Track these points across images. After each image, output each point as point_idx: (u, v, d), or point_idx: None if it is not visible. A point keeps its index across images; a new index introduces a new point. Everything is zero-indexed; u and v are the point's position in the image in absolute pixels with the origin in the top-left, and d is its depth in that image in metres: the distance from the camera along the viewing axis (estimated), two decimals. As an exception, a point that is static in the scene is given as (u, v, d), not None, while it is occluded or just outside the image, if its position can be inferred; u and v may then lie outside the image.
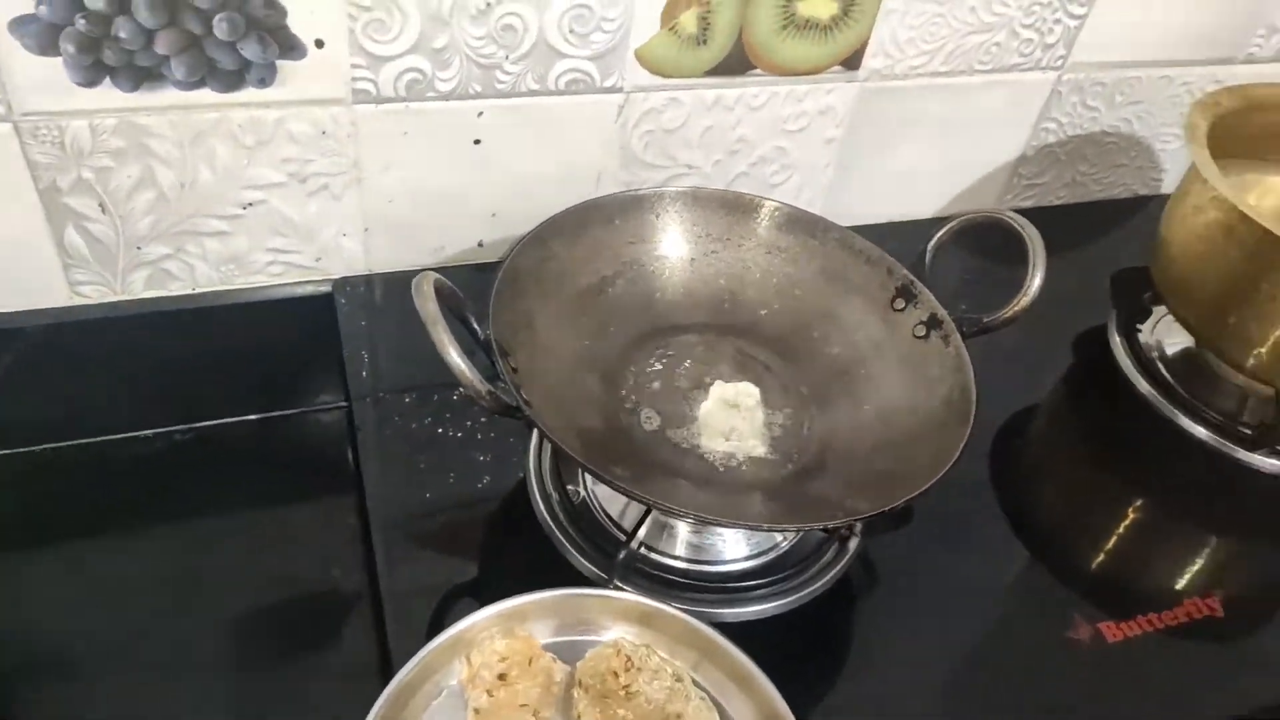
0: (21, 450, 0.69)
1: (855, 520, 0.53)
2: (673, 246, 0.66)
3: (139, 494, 0.69)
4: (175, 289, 0.69)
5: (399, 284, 0.73)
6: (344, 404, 0.73)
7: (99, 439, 0.70)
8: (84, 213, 0.63)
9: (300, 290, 0.72)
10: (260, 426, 0.73)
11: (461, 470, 0.63)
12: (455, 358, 0.45)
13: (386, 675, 0.47)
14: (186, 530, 0.66)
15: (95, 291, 0.67)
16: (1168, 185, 0.96)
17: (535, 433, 0.63)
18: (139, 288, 0.68)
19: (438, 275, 0.49)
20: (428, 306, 0.46)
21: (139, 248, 0.66)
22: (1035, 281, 0.59)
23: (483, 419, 0.65)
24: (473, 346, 0.52)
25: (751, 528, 0.57)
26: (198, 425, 0.72)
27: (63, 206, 0.62)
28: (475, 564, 0.58)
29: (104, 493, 0.69)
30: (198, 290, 0.70)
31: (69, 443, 0.70)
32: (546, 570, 0.57)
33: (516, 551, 0.59)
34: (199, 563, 0.64)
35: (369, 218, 0.70)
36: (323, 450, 0.74)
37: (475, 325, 0.53)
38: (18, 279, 0.64)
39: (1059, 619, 0.60)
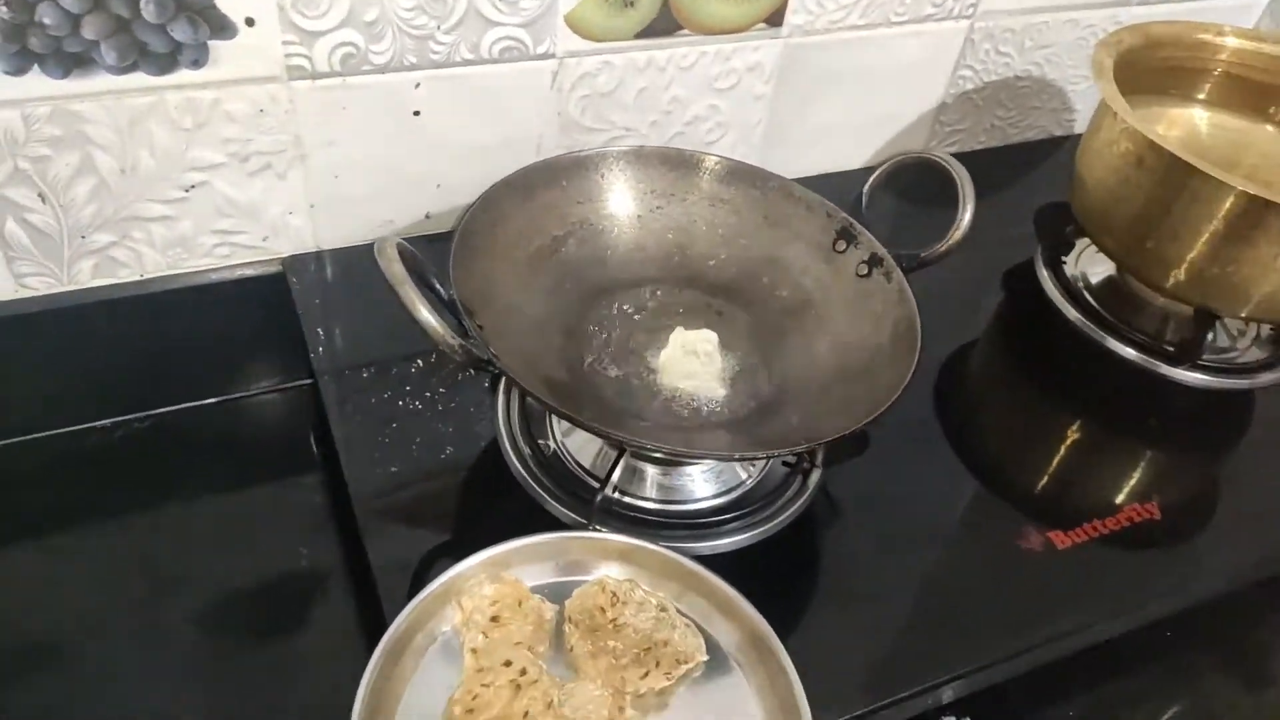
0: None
1: (819, 444, 0.56)
2: (620, 204, 0.67)
3: (99, 484, 0.68)
4: (124, 276, 0.69)
5: (350, 259, 0.73)
6: (301, 383, 0.73)
7: (56, 431, 0.69)
8: (24, 204, 0.62)
9: (250, 271, 0.72)
10: (218, 410, 0.73)
11: (431, 438, 0.64)
12: (426, 314, 0.46)
13: (375, 639, 0.48)
14: (151, 517, 0.66)
15: (42, 283, 0.66)
16: (1080, 125, 1.00)
17: (502, 393, 0.64)
18: (86, 277, 0.67)
19: (399, 239, 0.50)
20: (393, 268, 0.47)
21: (83, 236, 0.65)
22: (966, 216, 0.62)
23: (443, 388, 0.66)
24: (438, 309, 0.53)
25: (721, 458, 0.59)
26: (155, 412, 0.72)
27: (1, 199, 0.61)
28: (456, 524, 0.60)
29: (65, 485, 0.68)
30: (146, 276, 0.69)
31: (26, 437, 0.69)
32: (525, 522, 0.58)
33: (495, 507, 0.61)
34: (166, 549, 0.64)
35: (315, 195, 0.70)
36: (282, 431, 0.75)
37: (439, 286, 0.54)
38: (-43, 275, 0.63)
39: (1011, 532, 0.64)
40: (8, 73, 0.57)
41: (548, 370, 0.58)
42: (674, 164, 0.68)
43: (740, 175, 0.68)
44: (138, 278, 0.69)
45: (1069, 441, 0.74)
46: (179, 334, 0.71)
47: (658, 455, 0.59)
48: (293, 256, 0.72)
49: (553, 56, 0.70)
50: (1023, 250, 0.86)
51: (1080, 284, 0.83)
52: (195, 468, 0.69)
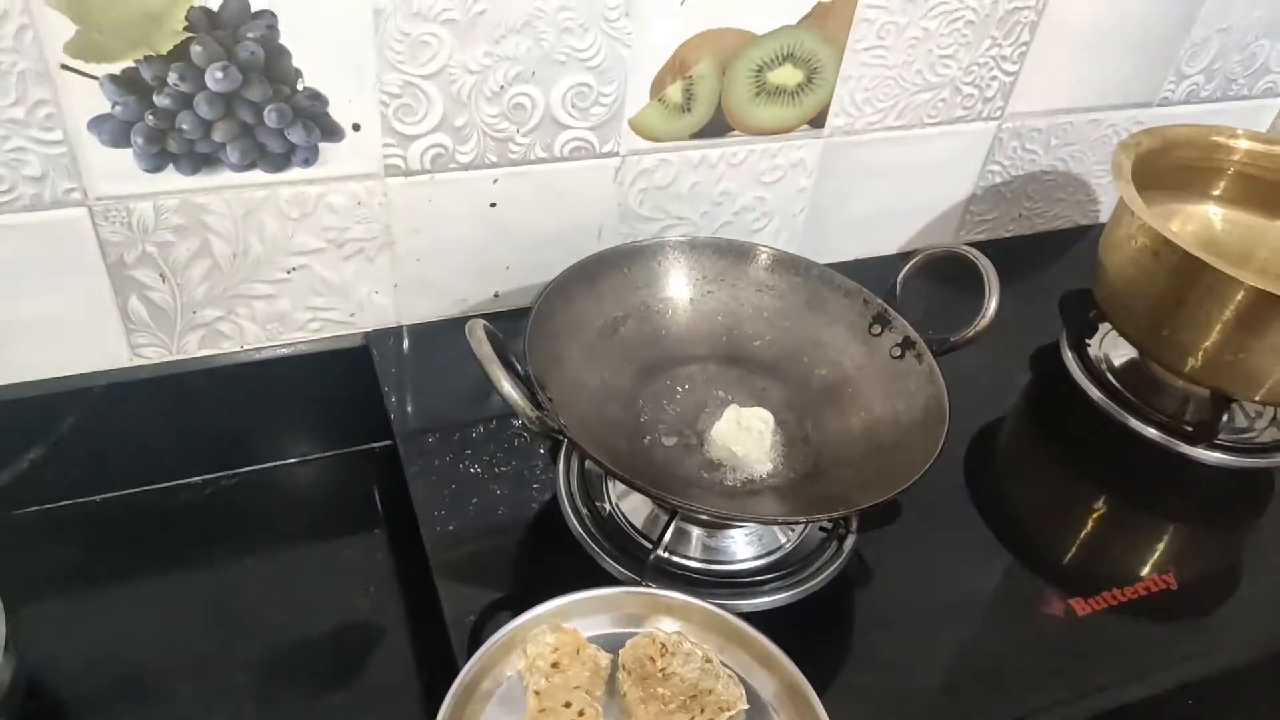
0: (86, 499, 0.76)
1: (852, 512, 0.61)
2: (675, 289, 0.74)
3: (189, 537, 0.76)
4: (226, 347, 0.76)
5: (427, 334, 0.81)
6: (373, 445, 0.80)
7: (154, 486, 0.77)
8: (146, 282, 0.70)
9: (337, 345, 0.79)
10: (300, 469, 0.81)
11: (495, 499, 0.70)
12: (509, 389, 0.53)
13: (433, 687, 0.54)
14: (232, 567, 0.73)
15: (154, 353, 0.74)
16: (1104, 214, 1.06)
17: (563, 459, 0.70)
18: (193, 347, 0.75)
19: (485, 321, 0.57)
20: (483, 349, 0.54)
21: (194, 312, 0.73)
22: (992, 304, 0.68)
23: (505, 453, 0.73)
24: (515, 383, 0.60)
25: (764, 522, 0.65)
26: (242, 470, 0.79)
27: (127, 278, 0.69)
28: (518, 578, 0.66)
29: (158, 536, 0.75)
30: (246, 347, 0.77)
31: (126, 491, 0.76)
32: (582, 577, 0.64)
33: (555, 564, 0.67)
34: (244, 597, 0.71)
35: (399, 276, 0.78)
36: (354, 490, 0.81)
37: (516, 363, 0.60)
38: (85, 344, 0.71)
39: (1035, 599, 0.69)
40: (146, 170, 0.65)
41: (608, 438, 0.64)
42: (725, 253, 0.75)
43: (784, 264, 0.75)
44: (238, 348, 0.77)
45: (1091, 514, 0.78)
46: (270, 399, 0.79)
47: (704, 518, 0.65)
48: (375, 331, 0.80)
49: (617, 155, 0.78)
50: (1049, 333, 0.91)
51: (1103, 365, 0.88)
52: (274, 522, 0.77)
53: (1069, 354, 0.88)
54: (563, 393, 0.63)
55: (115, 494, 0.77)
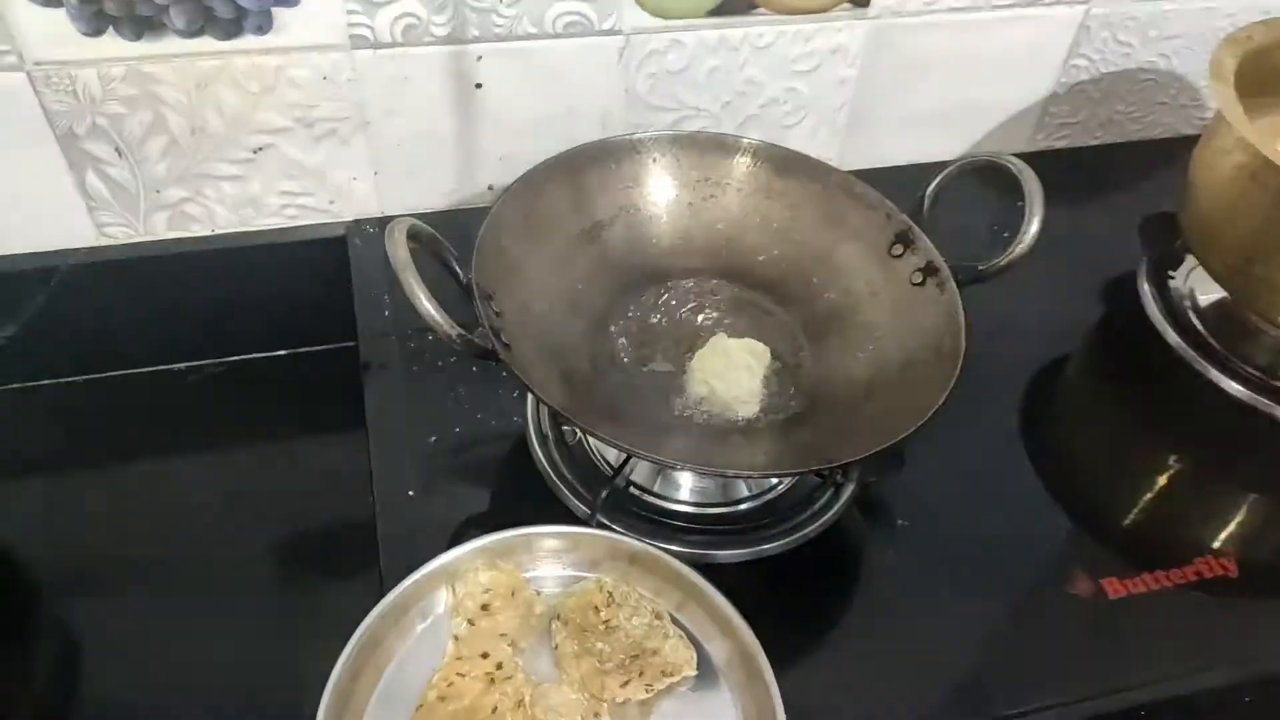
0: (59, 380, 0.73)
1: (833, 466, 0.53)
2: (671, 191, 0.65)
3: (166, 424, 0.73)
4: (196, 230, 0.72)
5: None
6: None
7: (134, 370, 0.74)
8: (101, 157, 0.65)
9: (317, 233, 0.73)
10: (288, 362, 0.76)
11: (463, 415, 0.64)
12: (424, 302, 0.46)
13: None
14: (213, 458, 0.71)
15: (121, 232, 0.70)
16: (1216, 125, 0.91)
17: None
18: (161, 228, 0.71)
19: (415, 221, 0.50)
20: (398, 253, 0.47)
21: (158, 191, 0.68)
22: (1031, 229, 0.57)
23: (476, 365, 0.67)
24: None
25: (729, 475, 0.57)
26: (229, 359, 0.76)
27: (81, 152, 0.65)
28: (472, 502, 0.60)
29: (139, 421, 0.73)
30: (218, 232, 0.72)
31: (104, 374, 0.74)
32: (542, 510, 0.58)
33: (513, 491, 0.61)
34: (224, 488, 0.68)
35: (378, 161, 0.71)
36: (344, 386, 0.77)
37: (458, 269, 0.53)
38: (45, 220, 0.68)
39: (1059, 573, 0.59)
40: (85, 34, 0.59)
41: (571, 362, 0.57)
42: (729, 151, 0.65)
43: (800, 167, 0.65)
44: (209, 233, 0.72)
45: (1149, 478, 0.68)
46: (250, 287, 0.74)
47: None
48: (356, 220, 0.74)
49: (619, 33, 0.68)
50: (1129, 260, 0.79)
51: (1186, 304, 0.76)
52: (257, 414, 0.73)
53: (1147, 288, 0.76)
54: (520, 306, 0.56)
55: (94, 376, 0.74)
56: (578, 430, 0.62)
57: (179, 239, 0.72)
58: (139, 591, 0.63)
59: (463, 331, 0.47)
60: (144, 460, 0.70)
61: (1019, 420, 0.68)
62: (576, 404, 0.52)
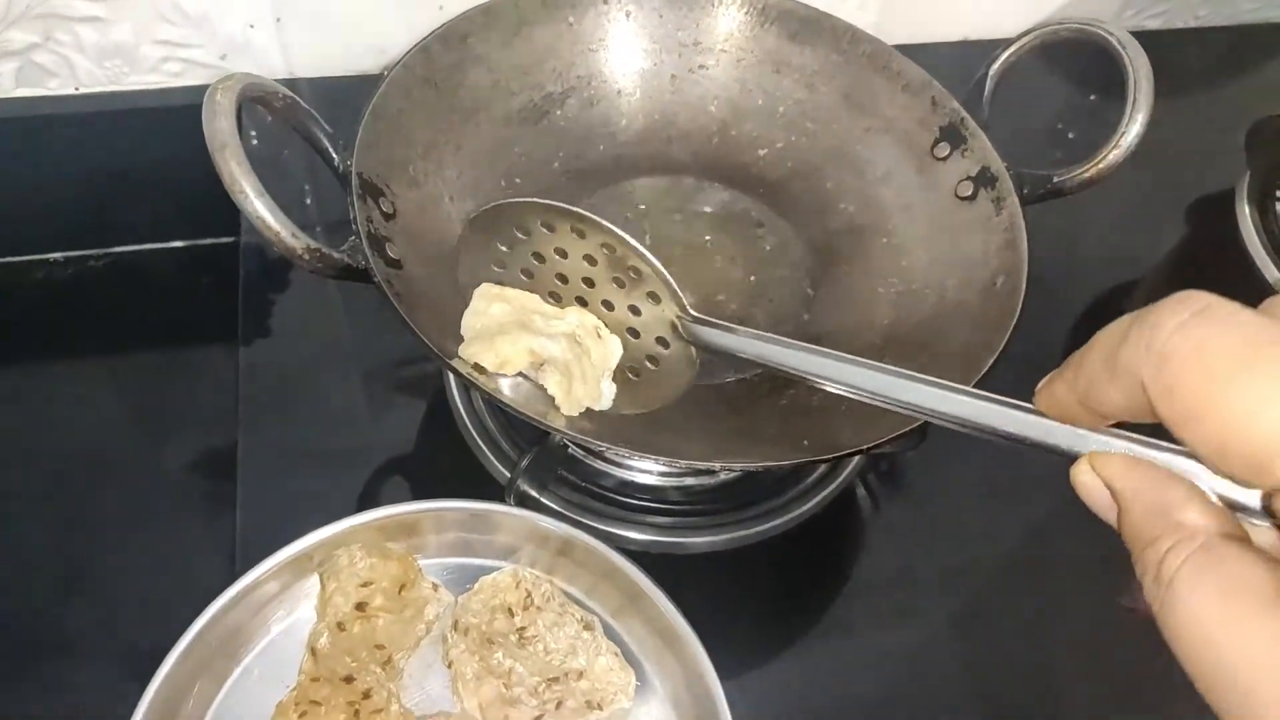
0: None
1: (826, 459, 0.39)
2: (648, 58, 0.50)
3: (44, 320, 0.59)
4: (55, 86, 0.57)
5: (328, 93, 0.59)
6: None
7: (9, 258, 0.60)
8: (-88, -14, 0.50)
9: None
10: (180, 255, 0.62)
11: (369, 341, 0.51)
12: (252, 198, 0.32)
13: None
14: (86, 364, 0.57)
15: (-43, 87, 0.55)
16: (1350, 7, 0.73)
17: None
18: (10, 84, 0.56)
19: (253, 79, 0.35)
20: (217, 124, 0.32)
21: (-5, 34, 0.53)
22: (1134, 129, 0.42)
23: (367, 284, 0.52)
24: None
25: (671, 465, 0.43)
26: (112, 251, 0.61)
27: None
28: (363, 462, 0.47)
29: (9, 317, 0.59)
30: (82, 90, 0.57)
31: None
32: (458, 476, 0.46)
33: (422, 450, 0.48)
34: (90, 394, 0.55)
35: (280, 6, 0.56)
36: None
37: (335, 154, 0.39)
38: None
39: (1115, 582, 0.46)
40: None
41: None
42: (729, 6, 0.49)
43: (821, 32, 0.49)
44: (72, 90, 0.57)
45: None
46: (125, 163, 0.59)
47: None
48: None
49: None
50: (1226, 174, 0.63)
51: (1296, 233, 0.60)
52: (141, 314, 0.59)
53: (1246, 209, 0.61)
54: (421, 208, 0.41)
55: None
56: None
57: (33, 97, 0.57)
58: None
59: (313, 244, 0.33)
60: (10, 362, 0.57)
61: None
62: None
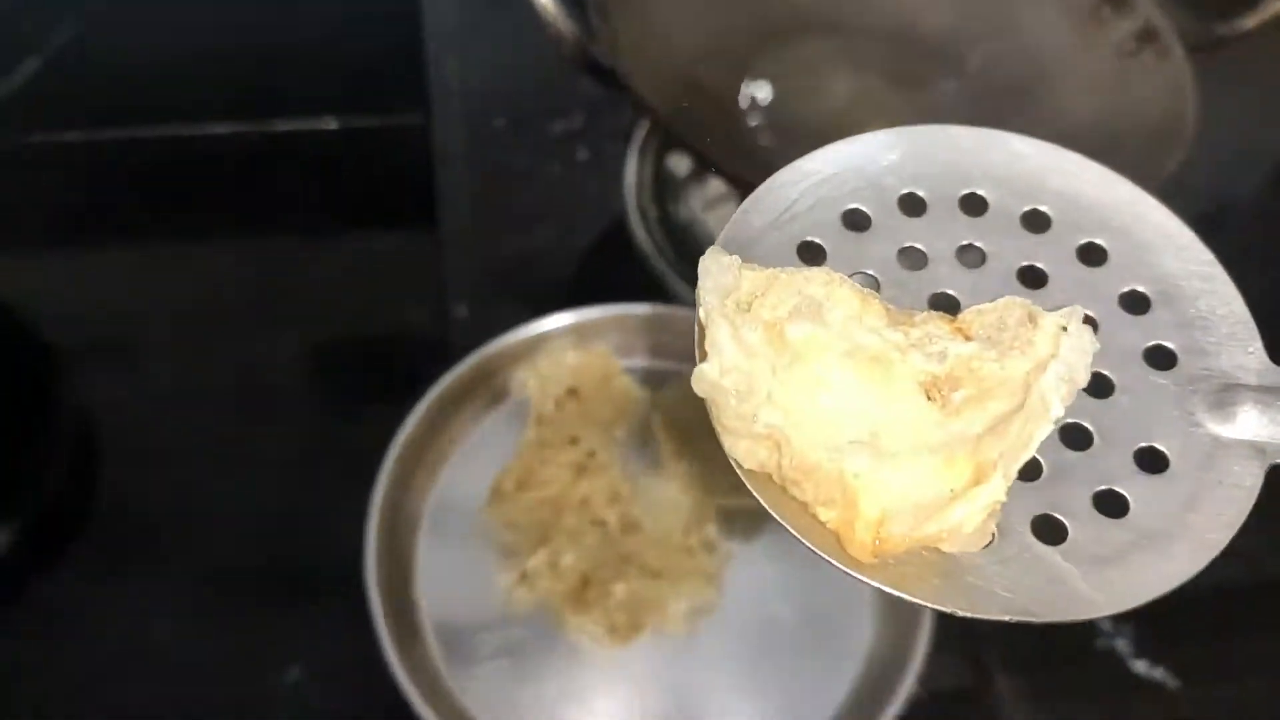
0: (85, 136, 0.63)
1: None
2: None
3: (203, 197, 0.62)
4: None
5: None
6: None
7: (167, 130, 0.64)
8: None
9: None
10: (346, 136, 0.65)
11: (554, 207, 0.55)
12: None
13: None
14: (257, 243, 0.60)
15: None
16: None
17: (636, 154, 0.53)
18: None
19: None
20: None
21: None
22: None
23: (583, 155, 0.56)
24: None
25: None
26: (277, 129, 0.65)
27: None
28: (557, 292, 0.50)
29: (172, 189, 0.63)
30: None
31: (138, 131, 0.63)
32: (639, 297, 0.49)
33: (605, 277, 0.51)
34: (270, 280, 0.57)
35: None
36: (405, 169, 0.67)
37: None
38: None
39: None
40: None
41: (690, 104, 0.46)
42: None
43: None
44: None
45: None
46: (298, 35, 0.63)
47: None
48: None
49: None
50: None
51: None
52: (311, 195, 0.62)
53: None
54: (640, 31, 0.45)
55: (123, 132, 0.64)
56: (694, 211, 0.52)
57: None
58: (160, 380, 0.52)
59: (581, 35, 0.37)
60: (175, 237, 0.60)
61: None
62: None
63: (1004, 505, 0.19)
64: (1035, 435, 0.19)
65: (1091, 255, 0.23)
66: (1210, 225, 0.25)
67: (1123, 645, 0.41)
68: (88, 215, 0.60)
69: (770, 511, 0.20)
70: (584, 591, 0.38)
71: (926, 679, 0.39)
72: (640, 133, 0.54)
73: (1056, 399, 0.19)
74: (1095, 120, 0.47)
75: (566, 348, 0.43)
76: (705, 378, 0.20)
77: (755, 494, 0.20)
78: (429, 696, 0.36)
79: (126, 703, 0.42)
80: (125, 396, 0.51)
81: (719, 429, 0.20)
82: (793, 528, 0.20)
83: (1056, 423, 0.19)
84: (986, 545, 0.19)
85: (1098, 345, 0.19)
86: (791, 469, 0.19)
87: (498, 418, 0.43)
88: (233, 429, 0.50)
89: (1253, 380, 0.20)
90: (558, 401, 0.42)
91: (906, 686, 0.37)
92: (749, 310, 0.21)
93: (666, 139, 0.51)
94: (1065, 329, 0.19)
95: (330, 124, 0.62)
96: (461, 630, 0.39)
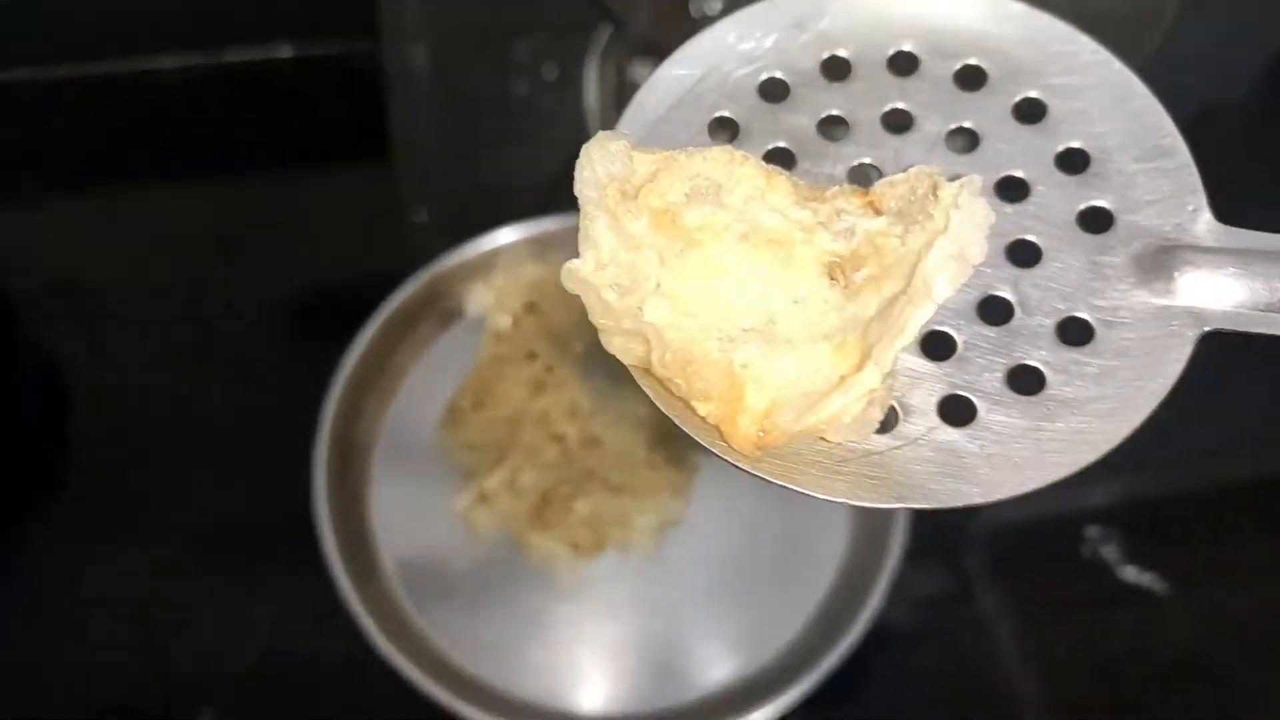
0: (31, 75, 0.61)
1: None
2: None
3: (155, 135, 0.60)
4: None
5: None
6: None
7: (116, 64, 0.61)
8: None
9: None
10: (302, 64, 0.63)
11: (517, 139, 0.52)
12: None
13: None
14: (213, 180, 0.58)
15: None
16: None
17: (596, 66, 0.50)
18: None
19: None
20: None
21: None
22: None
23: (551, 75, 0.53)
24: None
25: None
26: (226, 60, 0.62)
27: None
28: (515, 197, 0.49)
29: (124, 128, 0.61)
30: None
31: (83, 68, 0.61)
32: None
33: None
34: (229, 218, 0.55)
35: None
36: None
37: None
38: None
39: None
40: None
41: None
42: None
43: None
44: None
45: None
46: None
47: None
48: None
49: None
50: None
51: None
52: (268, 131, 0.60)
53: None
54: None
55: (70, 69, 0.61)
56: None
57: None
58: (122, 323, 0.51)
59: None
60: (128, 177, 0.58)
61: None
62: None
63: (917, 386, 0.18)
64: (914, 318, 0.17)
65: (1028, 112, 0.21)
66: (1196, 128, 0.23)
67: (1110, 552, 0.40)
68: (36, 157, 0.58)
69: (658, 405, 0.19)
70: (544, 510, 0.37)
71: (907, 589, 0.38)
72: (599, 45, 0.52)
73: (943, 278, 0.17)
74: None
75: (524, 260, 0.42)
76: (575, 274, 0.19)
77: (644, 388, 0.19)
78: (390, 632, 0.35)
79: (94, 654, 0.41)
80: (84, 343, 0.50)
81: (596, 326, 0.19)
82: (682, 421, 0.18)
83: (945, 303, 0.17)
84: (887, 430, 0.17)
85: (993, 217, 0.18)
86: (665, 364, 0.18)
87: (452, 338, 0.41)
88: (195, 372, 0.49)
89: (1193, 241, 0.18)
90: (515, 317, 0.41)
91: (878, 597, 0.36)
92: (635, 198, 0.19)
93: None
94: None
95: (285, 51, 0.59)
96: (421, 560, 0.38)
